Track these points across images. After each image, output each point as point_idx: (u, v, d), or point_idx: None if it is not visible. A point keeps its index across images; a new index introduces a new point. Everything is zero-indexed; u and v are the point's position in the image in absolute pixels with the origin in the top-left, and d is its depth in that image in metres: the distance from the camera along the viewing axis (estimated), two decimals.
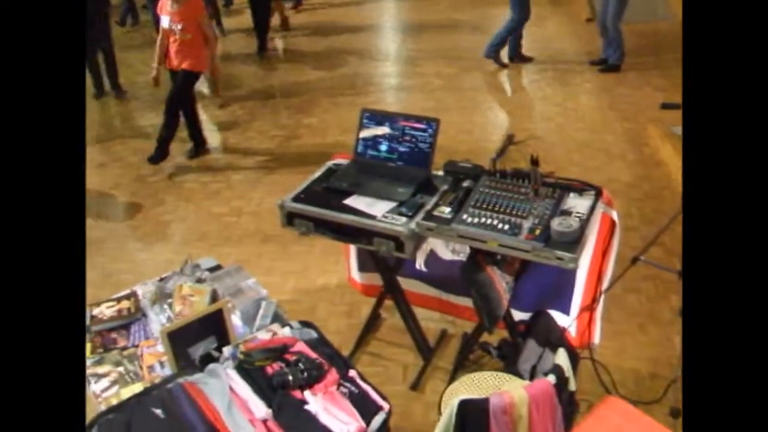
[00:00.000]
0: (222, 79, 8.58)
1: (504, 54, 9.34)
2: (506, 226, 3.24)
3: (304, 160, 7.03)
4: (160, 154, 7.09)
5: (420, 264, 4.42)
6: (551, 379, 2.86)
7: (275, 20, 11.31)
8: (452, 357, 4.36)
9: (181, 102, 6.98)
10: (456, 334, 4.54)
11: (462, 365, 4.20)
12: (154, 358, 3.30)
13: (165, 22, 6.63)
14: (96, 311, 3.60)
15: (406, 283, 4.40)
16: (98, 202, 6.65)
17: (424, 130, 3.81)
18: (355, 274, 4.78)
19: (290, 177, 6.64)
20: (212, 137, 7.72)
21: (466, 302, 4.43)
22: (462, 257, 4.26)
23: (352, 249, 4.65)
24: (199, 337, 3.13)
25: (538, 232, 3.19)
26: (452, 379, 4.12)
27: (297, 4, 12.88)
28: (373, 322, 4.56)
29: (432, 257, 4.37)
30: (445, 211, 3.43)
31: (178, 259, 5.41)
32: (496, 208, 3.37)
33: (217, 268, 3.88)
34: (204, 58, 6.80)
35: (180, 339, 3.06)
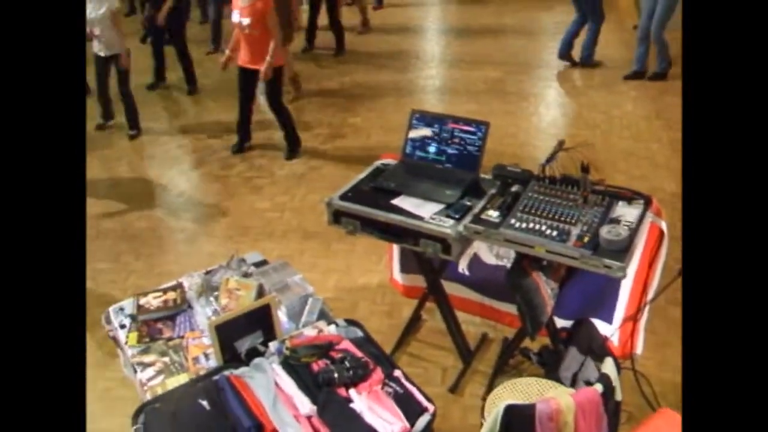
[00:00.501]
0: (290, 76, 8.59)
1: (575, 55, 9.45)
2: (554, 233, 3.22)
3: (347, 158, 7.06)
4: (294, 149, 7.26)
5: (463, 267, 4.42)
6: (598, 387, 2.84)
7: (355, 19, 11.43)
8: (492, 361, 4.34)
9: (278, 98, 7.05)
10: (496, 339, 4.53)
11: (501, 370, 4.18)
12: (199, 350, 3.33)
13: (235, 16, 6.64)
14: (143, 301, 3.65)
15: (448, 287, 4.39)
16: (145, 193, 6.73)
17: (473, 133, 3.80)
18: (397, 275, 4.79)
19: (333, 174, 6.68)
20: (257, 133, 7.76)
21: (508, 308, 4.42)
22: (505, 262, 4.24)
23: (395, 250, 4.65)
24: (246, 331, 3.15)
25: (586, 239, 3.17)
26: (491, 383, 4.10)
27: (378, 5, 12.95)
28: (414, 324, 4.57)
29: (475, 261, 4.36)
30: (493, 215, 3.42)
31: (220, 252, 5.48)
32: (545, 214, 3.35)
33: (263, 263, 3.91)
34: (276, 53, 6.75)
35: (227, 332, 3.09)
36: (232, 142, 7.45)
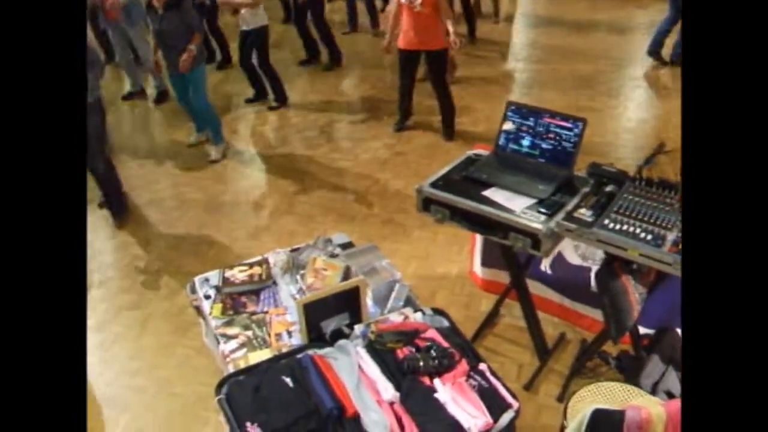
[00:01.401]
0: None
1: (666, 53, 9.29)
2: (649, 236, 3.14)
3: (432, 146, 7.02)
4: (449, 132, 7.22)
5: (546, 266, 4.36)
6: None
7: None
8: (568, 362, 4.27)
9: (442, 80, 7.01)
10: (573, 340, 4.46)
11: (578, 372, 4.11)
12: (282, 327, 3.34)
13: None
14: (228, 273, 3.68)
15: (528, 284, 4.33)
16: (230, 169, 6.82)
17: (569, 129, 3.73)
18: (477, 268, 4.75)
19: (417, 162, 6.66)
20: (344, 116, 7.78)
21: (587, 310, 4.35)
22: (590, 263, 4.17)
23: (478, 243, 4.61)
24: (333, 312, 3.14)
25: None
26: (567, 383, 4.05)
27: None
28: (492, 318, 4.53)
29: (558, 260, 4.30)
30: (586, 213, 3.35)
31: (300, 231, 5.53)
32: (640, 217, 3.27)
33: (349, 245, 3.90)
34: (441, 34, 6.68)
35: (314, 311, 3.09)
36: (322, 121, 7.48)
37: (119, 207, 6.09)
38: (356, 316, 3.21)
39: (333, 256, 3.69)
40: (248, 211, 6.09)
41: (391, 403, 2.77)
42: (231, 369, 3.16)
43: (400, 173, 6.49)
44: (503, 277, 4.39)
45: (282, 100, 8.14)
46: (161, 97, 8.74)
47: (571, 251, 4.21)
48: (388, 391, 2.80)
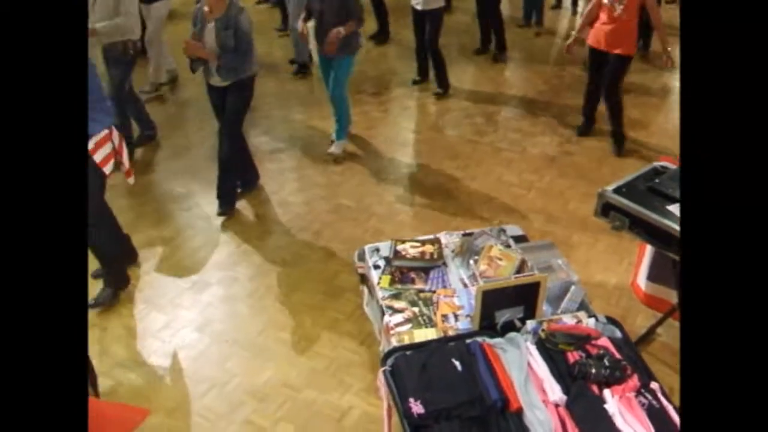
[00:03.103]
0: None
1: None
2: None
3: (603, 150, 6.79)
4: (618, 144, 6.87)
5: None
6: None
7: None
8: None
9: (617, 89, 6.73)
10: None
11: None
12: (449, 309, 3.35)
13: None
14: (400, 247, 3.71)
15: None
16: (397, 144, 6.87)
17: None
18: (642, 281, 4.61)
19: (587, 165, 6.51)
20: (513, 108, 7.70)
21: None
22: None
23: (647, 255, 4.48)
24: (509, 304, 3.13)
25: None
26: None
27: None
28: (649, 335, 4.40)
29: None
30: None
31: (460, 215, 5.51)
32: None
33: (523, 238, 3.87)
34: (633, 41, 6.51)
35: (491, 299, 3.08)
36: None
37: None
38: (530, 312, 3.18)
39: (507, 246, 3.66)
40: (410, 186, 6.13)
41: (557, 405, 2.74)
42: (394, 342, 3.19)
43: (566, 173, 6.36)
44: (670, 296, 4.26)
45: (444, 87, 8.03)
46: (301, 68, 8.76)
47: None
48: (555, 392, 2.77)
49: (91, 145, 4.22)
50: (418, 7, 7.52)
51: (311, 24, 6.39)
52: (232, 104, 5.49)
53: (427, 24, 7.62)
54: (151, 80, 8.09)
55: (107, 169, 4.41)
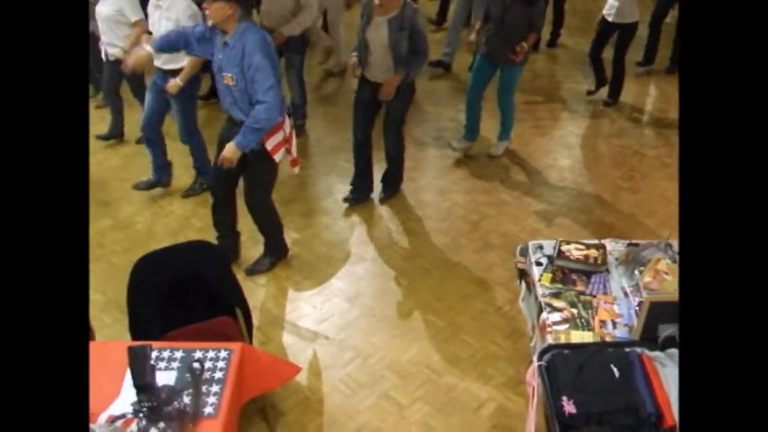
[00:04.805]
0: None
1: None
2: None
3: None
4: None
5: None
6: None
7: None
8: None
9: None
10: None
11: None
12: (609, 316, 3.33)
13: None
14: (565, 248, 3.71)
15: None
16: (561, 145, 6.82)
17: None
18: None
19: None
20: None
21: None
22: None
23: None
24: (672, 319, 3.07)
25: None
26: None
27: None
28: None
29: None
30: None
31: (619, 226, 5.43)
32: None
33: None
34: None
35: (656, 312, 3.03)
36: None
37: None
38: None
39: (674, 261, 3.59)
40: (570, 192, 6.07)
41: None
42: (550, 340, 3.20)
43: None
44: None
45: (616, 98, 7.82)
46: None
47: None
48: None
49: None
50: (610, 19, 7.31)
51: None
52: (399, 105, 5.41)
53: (617, 36, 7.41)
54: (332, 63, 8.42)
55: (277, 157, 4.53)
